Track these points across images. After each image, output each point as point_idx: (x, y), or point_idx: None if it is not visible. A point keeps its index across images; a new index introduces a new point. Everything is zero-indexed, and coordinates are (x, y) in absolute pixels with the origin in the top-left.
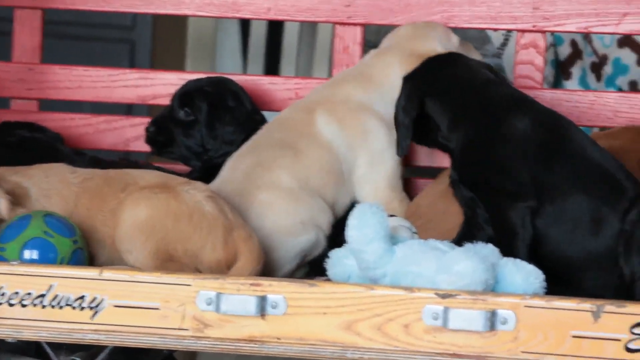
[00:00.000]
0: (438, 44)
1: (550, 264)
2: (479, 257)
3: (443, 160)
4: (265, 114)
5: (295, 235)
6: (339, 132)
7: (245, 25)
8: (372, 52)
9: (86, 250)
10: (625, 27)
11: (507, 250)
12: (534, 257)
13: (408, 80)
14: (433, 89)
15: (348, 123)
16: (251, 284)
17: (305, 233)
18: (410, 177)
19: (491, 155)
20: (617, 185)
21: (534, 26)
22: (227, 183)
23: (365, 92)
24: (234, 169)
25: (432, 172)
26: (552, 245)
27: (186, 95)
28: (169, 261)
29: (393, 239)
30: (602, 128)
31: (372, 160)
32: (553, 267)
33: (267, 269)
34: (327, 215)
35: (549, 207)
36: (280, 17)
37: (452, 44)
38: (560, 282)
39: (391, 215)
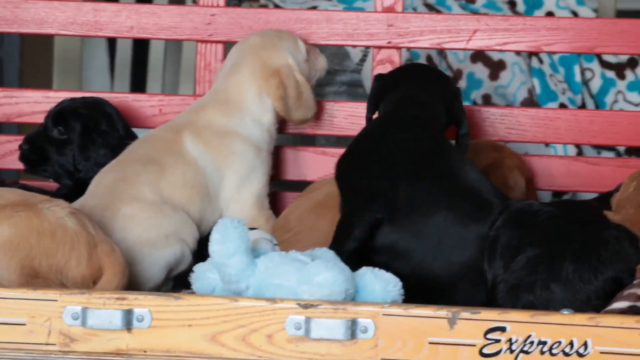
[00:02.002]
0: (289, 55)
1: (418, 281)
2: (339, 267)
3: (311, 173)
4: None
5: (160, 248)
6: (204, 154)
7: (112, 42)
8: (223, 69)
9: None
10: (476, 43)
11: (335, 247)
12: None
13: (377, 80)
14: (385, 98)
15: (213, 146)
16: (117, 298)
17: (170, 246)
18: (278, 191)
19: (360, 158)
20: (488, 204)
21: (388, 42)
22: (91, 197)
23: (226, 117)
24: (99, 183)
25: (300, 186)
26: (416, 261)
27: (60, 114)
28: (35, 278)
29: (255, 252)
30: None
31: (239, 182)
32: (421, 284)
33: (133, 282)
34: (192, 229)
35: (409, 222)
36: (142, 36)
37: (301, 51)
38: (432, 300)
39: (252, 229)
